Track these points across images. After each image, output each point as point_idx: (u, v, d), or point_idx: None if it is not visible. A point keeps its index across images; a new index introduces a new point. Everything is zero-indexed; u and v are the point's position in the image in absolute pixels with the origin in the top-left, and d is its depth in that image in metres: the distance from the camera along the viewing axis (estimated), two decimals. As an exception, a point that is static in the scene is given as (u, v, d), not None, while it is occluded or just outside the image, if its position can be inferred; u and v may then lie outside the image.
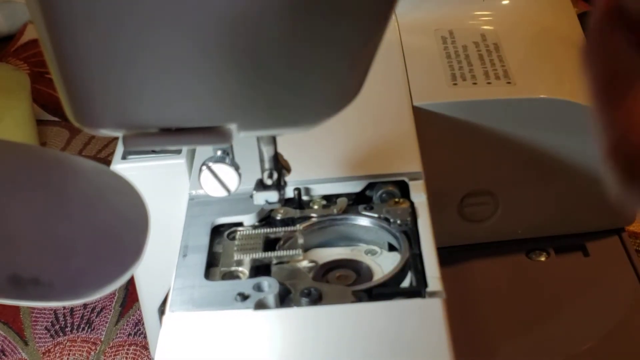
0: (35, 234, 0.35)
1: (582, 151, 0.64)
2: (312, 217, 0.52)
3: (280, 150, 0.47)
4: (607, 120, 0.26)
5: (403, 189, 0.53)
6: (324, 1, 0.33)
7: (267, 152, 0.47)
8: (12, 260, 0.33)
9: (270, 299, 0.46)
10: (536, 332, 0.62)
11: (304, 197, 0.53)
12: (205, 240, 0.51)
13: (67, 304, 0.54)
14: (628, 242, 0.68)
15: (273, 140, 0.46)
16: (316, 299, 0.45)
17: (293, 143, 0.50)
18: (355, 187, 0.53)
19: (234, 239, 0.51)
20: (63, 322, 0.70)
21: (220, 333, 0.44)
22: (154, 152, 0.56)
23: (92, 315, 0.71)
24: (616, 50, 0.25)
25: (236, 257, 0.49)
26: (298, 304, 0.46)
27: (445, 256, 0.51)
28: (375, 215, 0.51)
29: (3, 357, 0.68)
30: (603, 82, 0.26)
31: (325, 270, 0.50)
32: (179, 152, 0.56)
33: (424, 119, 0.61)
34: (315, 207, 0.53)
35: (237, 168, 0.46)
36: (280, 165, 0.48)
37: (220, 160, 0.45)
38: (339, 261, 0.50)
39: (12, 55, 1.10)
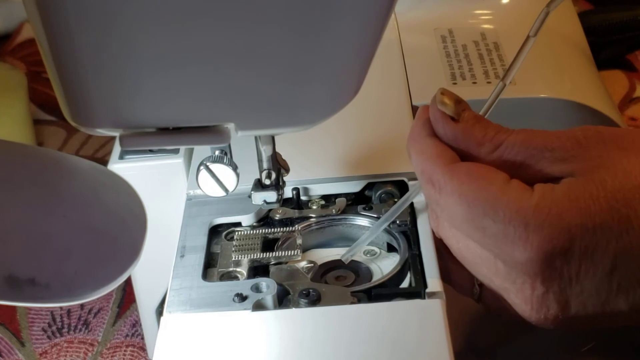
0: (32, 234, 0.34)
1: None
2: (311, 217, 0.52)
3: (278, 149, 0.47)
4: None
5: (402, 189, 0.53)
6: (323, 0, 0.33)
7: (266, 152, 0.46)
8: (9, 261, 0.33)
9: (269, 299, 0.45)
10: (536, 332, 0.61)
11: (303, 197, 0.53)
12: (202, 240, 0.51)
13: (64, 304, 0.53)
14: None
15: (271, 140, 0.46)
16: (315, 300, 0.45)
17: (292, 142, 0.50)
18: (354, 187, 0.53)
19: (232, 239, 0.51)
20: (60, 323, 0.70)
21: (218, 334, 0.44)
22: (151, 151, 0.56)
23: (89, 316, 0.70)
24: (426, 145, 0.43)
25: (234, 257, 0.49)
26: (296, 305, 0.45)
27: (445, 257, 0.51)
28: (375, 215, 0.51)
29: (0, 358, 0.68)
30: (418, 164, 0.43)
31: (324, 271, 0.50)
32: (176, 151, 0.56)
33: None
34: (314, 207, 0.53)
35: (235, 168, 0.46)
36: (278, 165, 0.47)
37: (219, 159, 0.45)
38: (338, 262, 0.50)
39: (9, 54, 1.10)
